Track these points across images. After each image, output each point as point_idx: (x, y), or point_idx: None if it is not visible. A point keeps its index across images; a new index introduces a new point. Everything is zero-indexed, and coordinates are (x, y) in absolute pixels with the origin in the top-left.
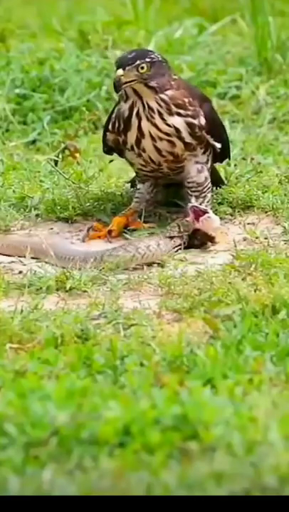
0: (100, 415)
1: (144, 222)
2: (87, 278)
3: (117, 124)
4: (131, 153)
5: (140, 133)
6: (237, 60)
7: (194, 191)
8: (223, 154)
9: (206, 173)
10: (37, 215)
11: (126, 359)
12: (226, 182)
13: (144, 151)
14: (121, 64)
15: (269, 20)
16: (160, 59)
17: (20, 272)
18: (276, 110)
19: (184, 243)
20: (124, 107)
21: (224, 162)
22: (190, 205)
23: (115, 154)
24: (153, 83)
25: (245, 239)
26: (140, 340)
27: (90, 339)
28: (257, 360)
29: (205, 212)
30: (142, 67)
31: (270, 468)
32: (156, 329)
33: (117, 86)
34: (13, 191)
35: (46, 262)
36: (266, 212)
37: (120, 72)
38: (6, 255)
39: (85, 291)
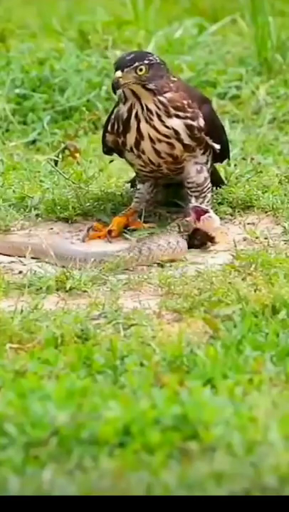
0: (100, 415)
1: (144, 222)
2: (87, 278)
3: (116, 126)
4: (130, 155)
5: (139, 135)
6: (237, 60)
7: (194, 191)
8: (222, 155)
9: (205, 174)
10: (37, 215)
11: (126, 359)
12: (226, 182)
13: (143, 152)
14: (119, 66)
15: (269, 20)
16: (158, 61)
17: (20, 272)
18: (276, 110)
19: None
20: (123, 108)
21: (224, 162)
22: (191, 205)
23: (115, 154)
24: (151, 85)
25: (245, 239)
26: (140, 340)
27: (90, 339)
28: (257, 360)
29: (206, 212)
30: (141, 69)
31: (270, 468)
32: (156, 329)
33: (116, 88)
34: (13, 191)
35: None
36: (266, 212)
37: (119, 73)
38: (6, 255)
39: (85, 291)
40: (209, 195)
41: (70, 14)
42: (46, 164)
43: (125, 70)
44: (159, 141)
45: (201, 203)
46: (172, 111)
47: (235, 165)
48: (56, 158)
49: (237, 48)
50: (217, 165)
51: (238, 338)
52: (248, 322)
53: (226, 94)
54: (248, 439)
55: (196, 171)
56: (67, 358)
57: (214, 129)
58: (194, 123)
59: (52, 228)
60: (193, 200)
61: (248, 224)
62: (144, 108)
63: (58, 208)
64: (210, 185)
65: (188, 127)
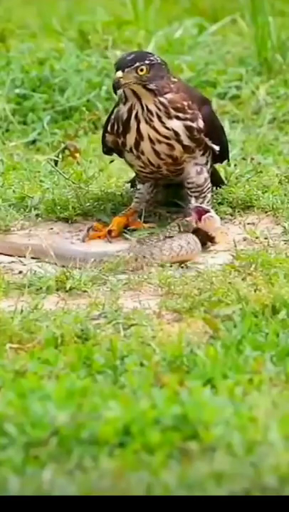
0: (100, 415)
1: (144, 222)
2: (87, 278)
3: (116, 126)
4: (130, 155)
5: (139, 135)
6: (237, 60)
7: (194, 192)
8: (222, 156)
9: (205, 175)
10: (37, 215)
11: (126, 359)
12: (226, 182)
13: (142, 153)
14: (120, 66)
15: (269, 20)
16: (159, 61)
17: (21, 272)
18: (276, 110)
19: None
20: (123, 109)
21: (224, 163)
22: (193, 205)
23: (115, 154)
24: (152, 85)
25: (245, 239)
26: (140, 340)
27: (90, 339)
28: (257, 360)
29: (207, 211)
30: (141, 70)
31: (270, 468)
32: (156, 329)
33: (116, 88)
34: (13, 191)
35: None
36: (266, 212)
37: (119, 74)
38: (7, 255)
39: (85, 291)
40: (209, 195)
41: (70, 14)
42: (46, 164)
43: (126, 70)
44: (159, 142)
45: (201, 203)
46: (172, 112)
47: (235, 165)
48: (56, 158)
49: (237, 47)
50: (217, 165)
51: (238, 338)
52: (248, 322)
53: (226, 94)
54: (248, 439)
55: (196, 172)
56: (67, 358)
57: (214, 130)
58: (194, 124)
59: (52, 228)
60: (193, 200)
61: (248, 224)
62: (145, 109)
63: (58, 208)
64: (210, 185)
65: (188, 128)
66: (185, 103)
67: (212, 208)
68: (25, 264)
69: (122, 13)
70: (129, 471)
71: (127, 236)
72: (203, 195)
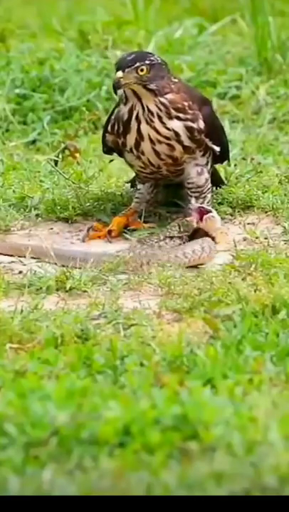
0: (100, 415)
1: (144, 222)
2: (87, 278)
3: (116, 127)
4: (130, 155)
5: (139, 136)
6: (237, 60)
7: (194, 192)
8: (222, 156)
9: (206, 175)
10: (37, 215)
11: (126, 359)
12: (226, 182)
13: (143, 153)
14: (120, 66)
15: (269, 20)
16: (159, 61)
17: (21, 272)
18: (276, 110)
19: (184, 243)
20: (124, 109)
21: (224, 163)
22: (195, 205)
23: (115, 154)
24: (152, 86)
25: (245, 239)
26: (140, 340)
27: (90, 339)
28: (257, 360)
29: (209, 211)
30: (142, 70)
31: (270, 468)
32: (156, 329)
33: (116, 88)
34: (13, 191)
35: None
36: (266, 212)
37: (120, 74)
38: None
39: (85, 291)
40: (209, 195)
41: (70, 14)
42: (46, 164)
43: (126, 70)
44: (159, 142)
45: (201, 204)
46: (173, 112)
47: (235, 165)
48: (56, 158)
49: (237, 47)
50: (217, 165)
51: (238, 338)
52: (248, 322)
53: (226, 94)
54: (248, 439)
55: (197, 173)
56: (67, 358)
57: (214, 130)
58: (194, 125)
59: (52, 228)
60: (193, 200)
61: (248, 224)
62: (145, 109)
63: (58, 208)
64: (210, 185)
65: (189, 129)
66: (186, 103)
67: (212, 208)
68: (25, 264)
69: (122, 13)
70: (129, 471)
71: (127, 236)
72: (203, 195)
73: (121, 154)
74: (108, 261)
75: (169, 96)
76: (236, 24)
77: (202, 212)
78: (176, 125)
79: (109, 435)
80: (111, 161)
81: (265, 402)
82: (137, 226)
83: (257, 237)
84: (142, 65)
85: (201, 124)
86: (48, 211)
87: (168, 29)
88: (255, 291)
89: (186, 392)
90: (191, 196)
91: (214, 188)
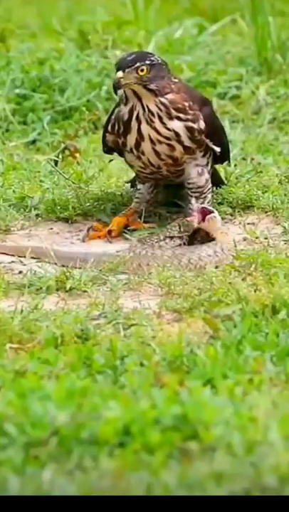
0: (100, 415)
1: (144, 222)
2: (87, 278)
3: (116, 127)
4: (130, 155)
5: (140, 136)
6: (237, 60)
7: (195, 192)
8: (222, 157)
9: (206, 176)
10: (37, 215)
11: (126, 359)
12: (226, 182)
13: (143, 153)
14: (120, 66)
15: (269, 20)
16: (160, 61)
17: (21, 272)
18: (276, 110)
19: (184, 243)
20: (124, 109)
21: (224, 163)
22: (197, 205)
23: (115, 154)
24: (152, 86)
25: (245, 239)
26: (140, 340)
27: (90, 339)
28: (257, 360)
29: (211, 212)
30: (142, 70)
31: (270, 468)
32: (156, 329)
33: (117, 88)
34: (13, 191)
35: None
36: (266, 212)
37: (120, 74)
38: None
39: (85, 291)
40: (210, 195)
41: (70, 14)
42: (46, 164)
43: (126, 70)
44: (160, 142)
45: (201, 204)
46: (174, 113)
47: (235, 165)
48: (56, 158)
49: (237, 47)
50: (217, 165)
51: (238, 338)
52: (248, 322)
53: (226, 94)
54: (248, 439)
55: (198, 173)
56: (67, 358)
57: (215, 131)
58: (195, 125)
59: (52, 228)
60: (193, 200)
61: (248, 224)
62: (146, 109)
63: (58, 208)
64: (210, 185)
65: (189, 129)
66: (186, 104)
67: (213, 208)
68: (25, 264)
69: (122, 13)
70: (129, 471)
71: (127, 236)
72: (203, 195)
73: (121, 154)
74: (108, 261)
75: (170, 96)
76: (236, 24)
77: (205, 213)
78: (177, 125)
79: (109, 435)
80: (111, 160)
81: (265, 402)
82: (137, 226)
83: (257, 237)
84: (142, 65)
85: (202, 125)
86: (48, 211)
87: (168, 29)
88: (255, 291)
89: (186, 392)
90: (191, 196)
91: (214, 188)
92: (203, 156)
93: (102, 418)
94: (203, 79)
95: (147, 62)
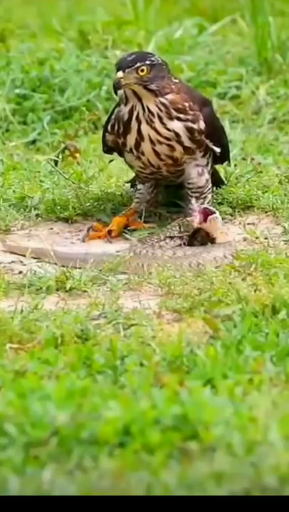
0: (100, 415)
1: (145, 222)
2: (87, 278)
3: (116, 127)
4: (130, 155)
5: (140, 136)
6: (237, 60)
7: (195, 192)
8: (222, 157)
9: (206, 176)
10: (37, 215)
11: (126, 359)
12: (226, 182)
13: (143, 154)
14: (121, 66)
15: (269, 20)
16: (160, 62)
17: (21, 272)
18: (276, 110)
19: (184, 243)
20: (124, 110)
21: (224, 164)
22: (197, 205)
23: (115, 154)
24: (153, 86)
25: (245, 239)
26: (140, 340)
27: (90, 339)
28: (257, 360)
29: (213, 212)
30: (142, 70)
31: (270, 468)
32: (156, 329)
33: (117, 88)
34: (13, 191)
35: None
36: (266, 212)
37: (120, 74)
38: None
39: (85, 291)
40: (210, 196)
41: (70, 14)
42: (46, 164)
43: (126, 70)
44: (160, 142)
45: (201, 204)
46: (174, 113)
47: (235, 165)
48: (56, 158)
49: (237, 47)
50: (217, 165)
51: (238, 338)
52: (248, 322)
53: (226, 94)
54: (248, 439)
55: (198, 174)
56: (67, 358)
57: (215, 131)
58: (195, 125)
59: (52, 228)
60: (193, 200)
61: (248, 224)
62: (146, 110)
63: (58, 208)
64: (210, 186)
65: (189, 130)
66: (186, 104)
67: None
68: (25, 264)
69: (122, 13)
70: (129, 471)
71: (127, 236)
72: (203, 195)
73: (121, 154)
74: (108, 261)
75: (170, 96)
76: (236, 24)
77: (206, 213)
78: (177, 126)
79: (109, 435)
80: (111, 161)
81: (265, 402)
82: (137, 226)
83: (257, 237)
84: (143, 65)
85: (202, 125)
86: (48, 211)
87: (168, 29)
88: (255, 291)
89: (186, 392)
90: (191, 197)
91: (214, 188)
92: (203, 156)
93: (102, 418)
94: (203, 79)
95: (147, 62)
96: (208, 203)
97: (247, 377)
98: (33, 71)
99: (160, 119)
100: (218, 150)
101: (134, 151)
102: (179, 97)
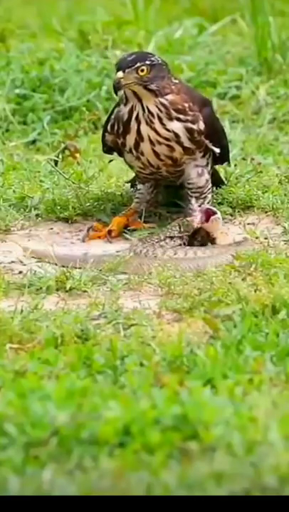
0: (100, 415)
1: (145, 222)
2: (87, 278)
3: (116, 127)
4: (129, 156)
5: (139, 136)
6: (237, 60)
7: (194, 192)
8: (222, 157)
9: (206, 176)
10: (37, 215)
11: (126, 359)
12: (226, 182)
13: (142, 154)
14: (121, 66)
15: (269, 20)
16: (160, 62)
17: (21, 272)
18: (276, 110)
19: (184, 243)
20: (124, 110)
21: (224, 164)
22: (203, 206)
23: (115, 154)
24: (153, 86)
25: (245, 239)
26: (140, 340)
27: (90, 339)
28: (257, 360)
29: (215, 213)
30: (142, 70)
31: (270, 468)
32: (156, 329)
33: (117, 88)
34: (13, 191)
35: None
36: (266, 212)
37: (120, 74)
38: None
39: (85, 291)
40: (210, 196)
41: (70, 14)
42: (46, 164)
43: (126, 70)
44: (159, 143)
45: (201, 204)
46: (173, 113)
47: (235, 165)
48: (56, 158)
49: (237, 47)
50: (217, 166)
51: (238, 338)
52: (248, 322)
53: (226, 94)
54: (248, 439)
55: (197, 174)
56: (67, 358)
57: (214, 132)
58: (194, 126)
59: (52, 228)
60: (193, 200)
61: (248, 224)
62: (146, 110)
63: (58, 207)
64: (210, 186)
65: (189, 130)
66: (186, 104)
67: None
68: (25, 264)
69: (122, 13)
70: (129, 471)
71: (127, 236)
72: (203, 195)
73: (121, 154)
74: (108, 261)
75: (170, 97)
76: (236, 24)
77: (209, 214)
78: (176, 126)
79: (109, 435)
80: (111, 161)
81: (265, 402)
82: (137, 226)
83: (257, 237)
84: (143, 65)
85: (201, 126)
86: (48, 211)
87: (168, 29)
88: (255, 291)
89: (186, 392)
90: (191, 197)
91: (214, 188)
92: (203, 156)
93: (102, 418)
94: (203, 79)
95: (147, 62)
96: (208, 202)
97: (247, 377)
98: (33, 71)
99: (160, 119)
100: (217, 151)
101: (134, 152)
102: (178, 98)
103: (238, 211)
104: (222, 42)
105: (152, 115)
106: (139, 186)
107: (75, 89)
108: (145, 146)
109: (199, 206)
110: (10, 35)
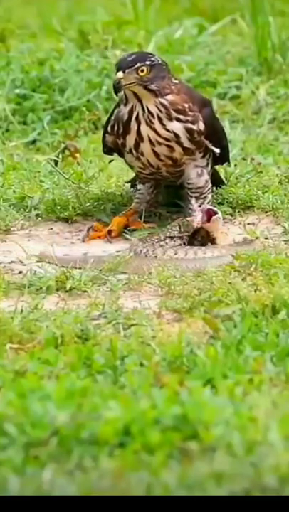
0: (100, 415)
1: (145, 222)
2: (87, 278)
3: (116, 127)
4: (130, 156)
5: (139, 137)
6: (237, 60)
7: (194, 192)
8: (222, 158)
9: (206, 177)
10: (37, 215)
11: (126, 359)
12: (226, 182)
13: (142, 154)
14: (121, 66)
15: (269, 20)
16: (160, 62)
17: (21, 272)
18: (276, 110)
19: (185, 243)
20: (124, 110)
21: (224, 164)
22: (204, 206)
23: (115, 154)
24: (153, 86)
25: (245, 239)
26: (140, 340)
27: (90, 339)
28: (257, 360)
29: (216, 213)
30: (142, 70)
31: (270, 468)
32: (156, 329)
33: (117, 88)
34: (13, 191)
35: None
36: (266, 212)
37: (120, 74)
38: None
39: (85, 291)
40: (209, 196)
41: (70, 14)
42: (46, 164)
43: (127, 70)
44: (159, 143)
45: (201, 204)
46: (173, 114)
47: (235, 165)
48: (56, 158)
49: (237, 47)
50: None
51: (238, 338)
52: (248, 322)
53: (226, 94)
54: (248, 439)
55: (197, 174)
56: (67, 358)
57: (214, 132)
58: (194, 126)
59: (52, 228)
60: (193, 201)
61: (248, 224)
62: (146, 110)
63: (58, 208)
64: (210, 186)
65: (189, 131)
66: (186, 105)
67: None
68: (25, 264)
69: (122, 13)
70: (129, 471)
71: (127, 236)
72: (203, 195)
73: (121, 154)
74: (108, 261)
75: (170, 97)
76: (236, 24)
77: (210, 214)
78: (176, 127)
79: (109, 435)
80: (111, 161)
81: (265, 402)
82: (137, 226)
83: (257, 237)
84: (143, 65)
85: (201, 126)
86: (48, 211)
87: (168, 29)
88: (255, 291)
89: (186, 392)
90: (191, 197)
91: (214, 188)
92: (203, 157)
93: (102, 418)
94: (203, 79)
95: (147, 62)
96: (208, 202)
97: (247, 377)
98: (33, 71)
99: (160, 119)
100: (217, 151)
101: (134, 152)
102: (178, 98)
103: (238, 211)
104: (222, 42)
105: (152, 115)
106: (139, 186)
107: (75, 89)
108: (145, 147)
109: (199, 206)
110: (10, 35)
